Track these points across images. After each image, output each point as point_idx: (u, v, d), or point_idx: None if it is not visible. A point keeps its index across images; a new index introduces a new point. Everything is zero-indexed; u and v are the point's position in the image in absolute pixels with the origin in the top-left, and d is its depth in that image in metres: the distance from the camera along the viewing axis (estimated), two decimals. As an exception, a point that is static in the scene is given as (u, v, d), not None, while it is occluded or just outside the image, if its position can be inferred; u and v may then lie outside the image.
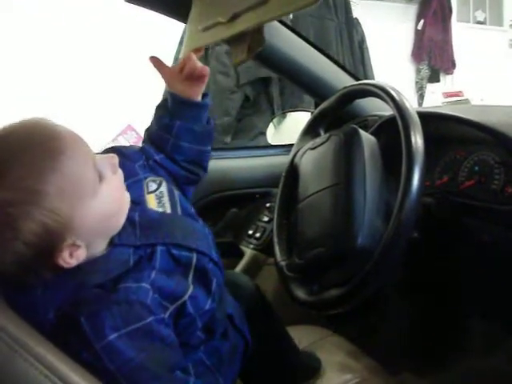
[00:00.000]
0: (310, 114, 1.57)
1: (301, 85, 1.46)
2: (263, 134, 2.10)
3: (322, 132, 1.21)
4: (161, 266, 0.83)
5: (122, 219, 0.82)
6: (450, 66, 4.33)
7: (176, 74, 1.03)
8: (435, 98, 4.23)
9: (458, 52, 4.36)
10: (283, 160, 1.27)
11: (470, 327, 1.27)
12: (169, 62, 3.03)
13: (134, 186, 0.90)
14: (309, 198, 1.08)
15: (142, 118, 3.27)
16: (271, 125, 1.82)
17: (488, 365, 1.23)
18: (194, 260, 0.87)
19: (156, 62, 1.06)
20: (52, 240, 0.70)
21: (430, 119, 1.07)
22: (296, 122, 1.71)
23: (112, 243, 0.81)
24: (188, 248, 0.87)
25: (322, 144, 1.09)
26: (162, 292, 0.79)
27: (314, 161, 1.11)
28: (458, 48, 4.35)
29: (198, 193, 1.50)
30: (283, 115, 1.88)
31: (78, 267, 0.75)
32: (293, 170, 1.18)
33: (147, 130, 1.09)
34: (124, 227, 0.83)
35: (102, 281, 0.76)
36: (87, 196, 0.73)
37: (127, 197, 0.84)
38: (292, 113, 1.88)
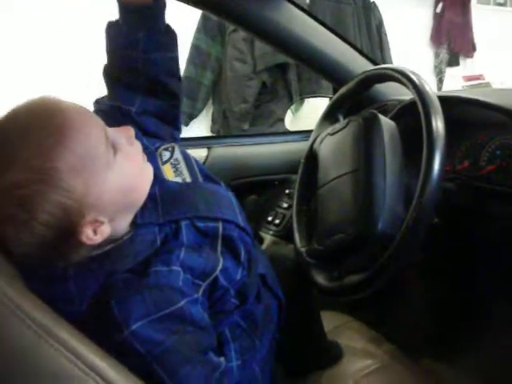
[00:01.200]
0: (328, 99, 1.56)
1: (318, 70, 1.44)
2: (281, 120, 2.10)
3: (340, 117, 1.20)
4: (188, 241, 0.82)
5: (144, 192, 0.81)
6: (470, 49, 4.26)
7: None
8: (455, 82, 4.17)
9: (478, 35, 4.29)
10: (302, 146, 1.26)
11: (492, 311, 1.25)
12: (186, 49, 3.03)
13: (148, 158, 0.86)
14: (328, 184, 1.07)
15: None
16: (289, 111, 1.82)
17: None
18: (221, 229, 0.86)
19: None
20: (70, 218, 0.68)
21: (450, 103, 1.06)
22: (314, 107, 1.70)
23: (135, 224, 0.80)
24: (213, 218, 0.86)
25: (341, 130, 1.09)
26: (193, 271, 0.79)
27: (333, 146, 1.10)
28: (478, 31, 4.28)
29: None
30: (301, 101, 1.87)
31: (106, 255, 0.75)
32: (312, 156, 1.18)
33: (109, 68, 1.00)
34: (145, 204, 0.81)
35: (132, 265, 0.76)
36: (101, 170, 0.71)
37: (149, 169, 0.83)
38: (310, 99, 1.87)
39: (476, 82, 3.95)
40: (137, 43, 0.95)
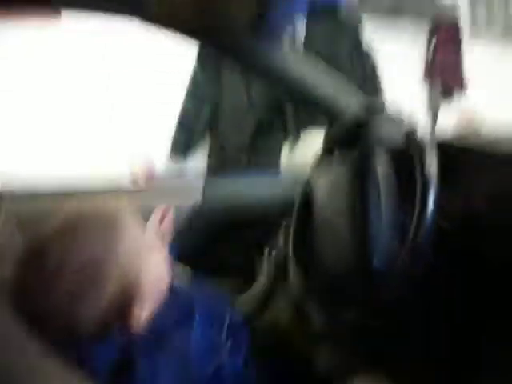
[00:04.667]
0: (324, 134, 1.58)
1: (314, 106, 1.46)
2: (278, 154, 2.11)
3: (336, 153, 1.22)
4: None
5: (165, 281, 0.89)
6: (462, 85, 4.32)
7: None
8: (448, 118, 4.21)
9: (471, 71, 4.34)
10: (299, 182, 1.27)
11: (487, 352, 1.24)
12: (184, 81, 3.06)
13: None
14: (325, 221, 1.08)
15: (156, 138, 3.31)
16: (286, 146, 1.83)
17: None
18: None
19: None
20: (126, 298, 0.77)
21: (443, 146, 1.07)
22: (310, 142, 1.72)
23: None
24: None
25: (336, 166, 1.10)
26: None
27: (329, 183, 1.12)
28: (470, 66, 4.33)
29: (213, 218, 1.51)
30: (298, 136, 1.89)
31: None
32: (308, 193, 1.19)
33: None
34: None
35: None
36: (149, 258, 0.82)
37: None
38: (306, 133, 1.89)
39: (468, 118, 3.99)
40: None
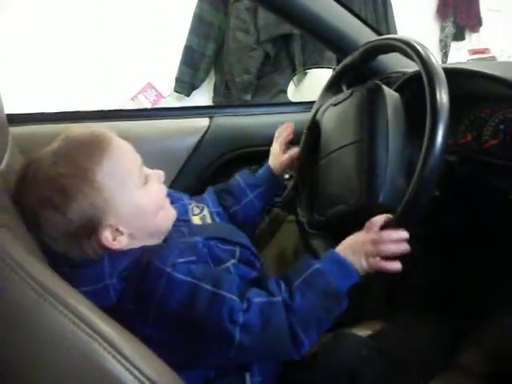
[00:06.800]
0: (331, 71, 1.55)
1: (323, 40, 1.43)
2: (284, 91, 2.08)
3: (344, 88, 1.20)
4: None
5: (162, 224, 0.94)
6: (475, 23, 4.19)
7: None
8: (460, 55, 4.12)
9: (484, 9, 4.21)
10: (304, 117, 1.26)
11: (494, 285, 1.25)
12: (188, 19, 3.01)
13: (180, 207, 1.05)
14: (331, 155, 1.07)
15: (162, 76, 3.28)
16: (292, 82, 1.80)
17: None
18: (238, 253, 0.96)
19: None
20: (95, 215, 0.83)
21: (455, 75, 1.04)
22: (317, 79, 1.69)
23: None
24: (231, 242, 0.97)
25: (344, 100, 1.08)
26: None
27: (336, 117, 1.10)
28: (483, 4, 4.20)
29: (219, 150, 1.50)
30: (304, 73, 1.86)
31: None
32: (314, 127, 1.17)
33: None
34: (172, 238, 0.95)
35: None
36: (129, 186, 0.87)
37: (171, 210, 0.97)
38: (313, 70, 1.85)
39: (481, 56, 3.89)
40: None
